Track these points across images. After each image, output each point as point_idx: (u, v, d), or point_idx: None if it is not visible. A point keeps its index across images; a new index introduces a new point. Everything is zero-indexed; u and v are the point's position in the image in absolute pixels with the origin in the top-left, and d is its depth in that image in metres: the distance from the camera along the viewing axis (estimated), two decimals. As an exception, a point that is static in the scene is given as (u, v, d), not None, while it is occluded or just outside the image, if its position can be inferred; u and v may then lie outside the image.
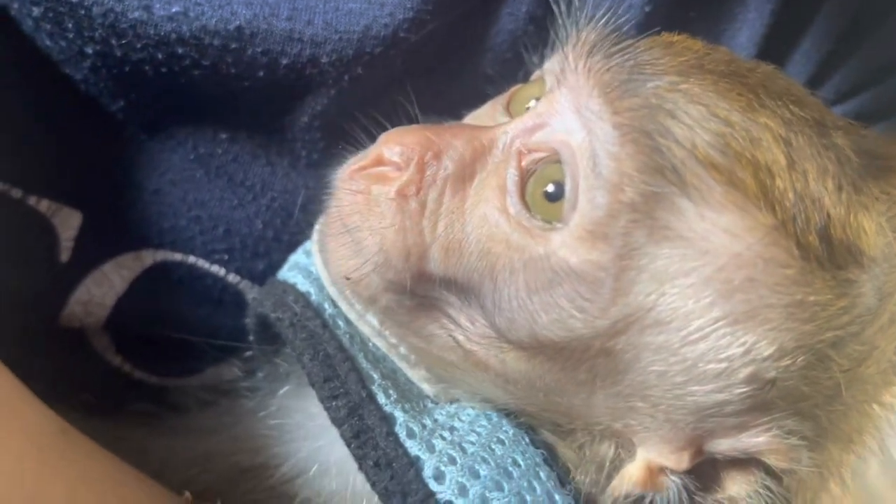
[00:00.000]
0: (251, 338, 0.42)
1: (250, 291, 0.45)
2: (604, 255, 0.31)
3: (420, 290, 0.34)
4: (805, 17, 0.44)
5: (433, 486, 0.33)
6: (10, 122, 0.40)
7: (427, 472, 0.34)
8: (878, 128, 0.39)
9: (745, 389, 0.32)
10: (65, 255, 0.42)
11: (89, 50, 0.36)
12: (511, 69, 0.42)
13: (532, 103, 0.37)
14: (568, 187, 0.32)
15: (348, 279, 0.34)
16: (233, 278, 0.45)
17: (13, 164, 0.40)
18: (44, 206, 0.41)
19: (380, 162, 0.34)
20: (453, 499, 0.33)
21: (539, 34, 0.43)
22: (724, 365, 0.31)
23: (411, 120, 0.38)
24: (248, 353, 0.43)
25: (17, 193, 0.40)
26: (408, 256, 0.33)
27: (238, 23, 0.35)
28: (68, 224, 0.42)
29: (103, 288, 0.43)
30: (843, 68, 0.43)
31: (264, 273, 0.45)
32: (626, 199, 0.30)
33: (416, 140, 0.34)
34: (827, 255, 0.31)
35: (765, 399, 0.32)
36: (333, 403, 0.35)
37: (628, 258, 0.31)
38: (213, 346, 0.43)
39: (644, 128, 0.30)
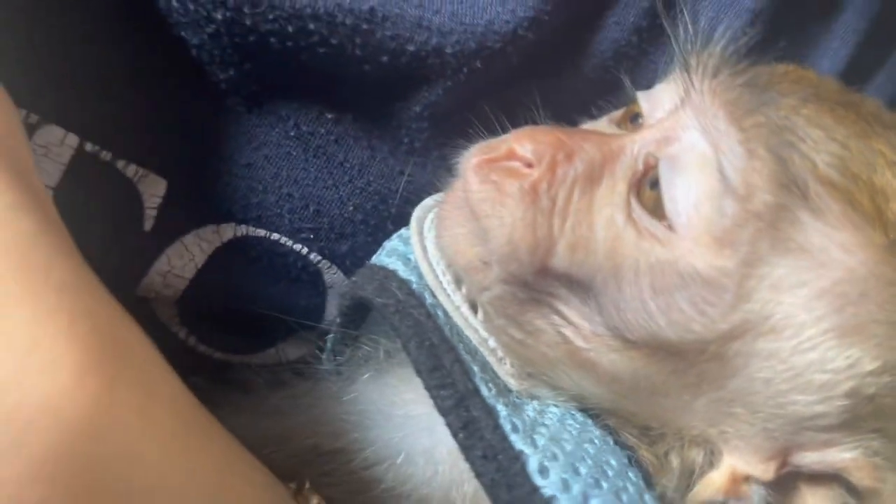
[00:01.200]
0: (338, 321, 0.42)
1: (328, 272, 0.45)
2: (729, 262, 0.32)
3: (538, 286, 0.35)
4: (880, 55, 0.46)
5: (538, 480, 0.33)
6: (105, 81, 0.38)
7: (532, 466, 0.34)
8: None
9: (844, 403, 0.33)
10: (148, 224, 0.41)
11: (218, 15, 0.35)
12: (612, 77, 0.42)
13: (643, 119, 0.38)
14: (686, 195, 0.33)
15: (485, 263, 0.35)
16: (314, 257, 0.44)
17: (104, 125, 0.39)
18: (131, 170, 0.40)
19: (511, 157, 0.35)
20: (557, 493, 0.33)
21: (640, 46, 0.44)
22: (828, 376, 0.32)
23: (529, 118, 0.38)
24: (330, 336, 0.43)
25: (106, 156, 0.39)
26: (535, 250, 0.34)
27: (372, 4, 0.35)
28: (153, 191, 0.41)
29: (183, 259, 0.42)
30: None
31: (345, 255, 0.44)
32: (753, 209, 0.32)
33: (549, 140, 0.35)
34: None
35: (860, 414, 0.33)
36: (441, 393, 0.35)
37: (751, 266, 0.32)
38: (287, 323, 0.43)
39: (769, 145, 0.32)
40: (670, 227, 0.32)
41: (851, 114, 0.34)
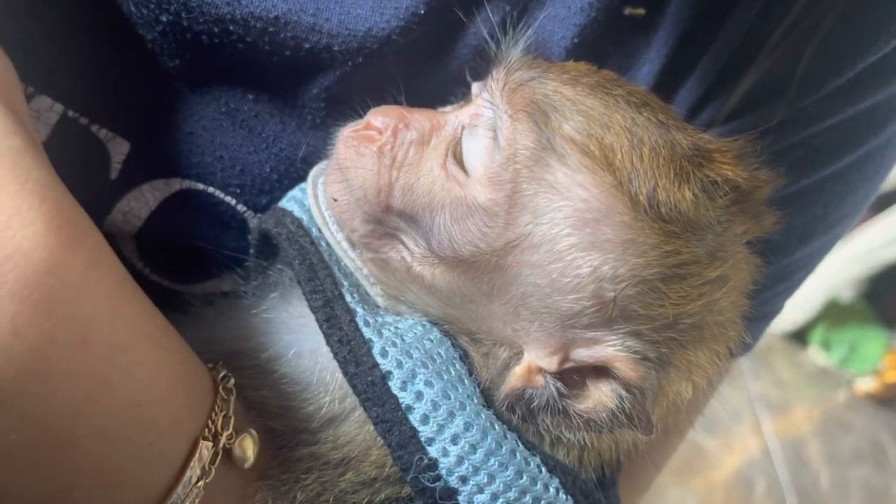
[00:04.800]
0: (251, 251, 0.54)
1: (252, 220, 0.58)
2: (499, 195, 0.42)
3: (387, 222, 0.47)
4: (689, 64, 0.58)
5: (379, 359, 0.43)
6: (85, 64, 0.51)
7: (375, 350, 0.43)
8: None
9: (592, 303, 0.41)
10: (114, 174, 0.53)
11: (164, 18, 0.47)
12: (470, 72, 0.55)
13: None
14: (476, 150, 0.45)
15: (335, 200, 0.47)
16: (241, 208, 0.56)
17: (84, 97, 0.51)
18: (103, 133, 0.52)
19: (368, 127, 0.48)
20: (392, 369, 0.43)
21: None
22: (577, 280, 0.41)
23: (395, 101, 0.51)
24: (247, 264, 0.55)
25: (84, 121, 0.51)
26: (379, 193, 0.46)
27: (276, 13, 0.48)
28: (119, 150, 0.53)
29: (140, 203, 0.55)
30: (713, 103, 0.58)
31: (265, 207, 0.56)
32: (512, 156, 0.42)
33: (394, 114, 0.47)
34: (654, 210, 0.41)
35: (609, 316, 0.41)
36: (313, 296, 0.45)
37: (515, 198, 0.42)
38: (220, 256, 0.55)
39: (528, 112, 0.43)
40: (467, 174, 0.45)
41: (601, 93, 0.43)
